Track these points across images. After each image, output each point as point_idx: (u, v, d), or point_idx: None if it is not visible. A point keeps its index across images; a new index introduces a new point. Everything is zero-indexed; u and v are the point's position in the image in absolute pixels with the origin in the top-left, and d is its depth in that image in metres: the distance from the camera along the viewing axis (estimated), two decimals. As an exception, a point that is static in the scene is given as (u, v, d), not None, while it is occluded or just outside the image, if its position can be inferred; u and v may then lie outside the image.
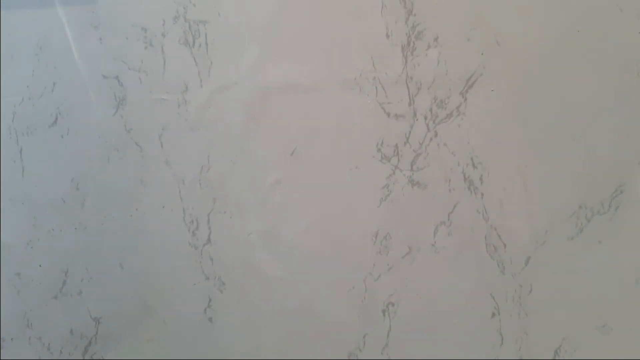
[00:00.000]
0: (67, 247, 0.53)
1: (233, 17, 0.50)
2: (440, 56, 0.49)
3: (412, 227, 0.50)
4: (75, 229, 0.53)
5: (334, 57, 0.50)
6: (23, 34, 0.52)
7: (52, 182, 0.53)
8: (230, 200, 0.52)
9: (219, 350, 0.49)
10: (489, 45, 0.48)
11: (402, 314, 0.50)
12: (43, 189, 0.53)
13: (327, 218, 0.50)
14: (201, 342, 0.49)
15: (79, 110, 0.51)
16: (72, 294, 0.53)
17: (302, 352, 0.48)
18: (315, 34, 0.50)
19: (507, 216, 0.49)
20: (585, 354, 0.49)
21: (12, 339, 0.54)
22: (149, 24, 0.51)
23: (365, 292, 0.50)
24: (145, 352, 0.49)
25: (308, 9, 0.50)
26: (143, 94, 0.51)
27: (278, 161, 0.51)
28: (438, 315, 0.50)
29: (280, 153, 0.51)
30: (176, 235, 0.53)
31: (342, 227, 0.50)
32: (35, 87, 0.52)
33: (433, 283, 0.50)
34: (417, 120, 0.50)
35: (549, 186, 0.49)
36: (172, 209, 0.53)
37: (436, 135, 0.49)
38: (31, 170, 0.53)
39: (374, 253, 0.50)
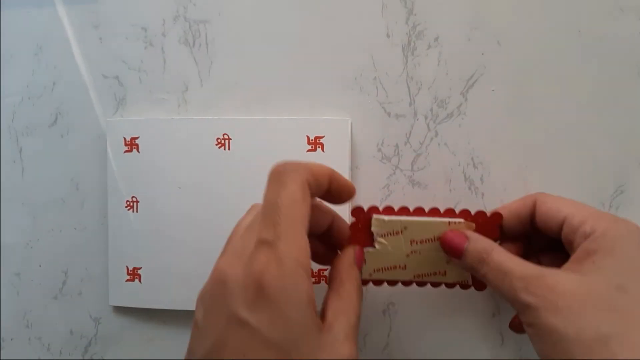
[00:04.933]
0: (67, 247, 0.53)
1: (233, 17, 0.50)
2: (440, 56, 0.49)
3: (413, 227, 0.50)
4: (75, 229, 0.52)
5: (334, 56, 0.50)
6: (23, 34, 0.52)
7: (51, 182, 0.53)
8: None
9: (219, 350, 0.48)
10: (489, 45, 0.49)
11: (402, 314, 0.50)
12: (43, 189, 0.53)
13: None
14: (201, 342, 0.49)
15: (79, 110, 0.51)
16: (72, 294, 0.53)
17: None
18: (316, 33, 0.50)
19: (507, 216, 0.49)
20: (586, 353, 0.49)
21: (12, 339, 0.54)
22: (149, 24, 0.51)
23: (365, 292, 0.50)
24: (145, 352, 0.49)
25: (308, 9, 0.50)
26: (143, 94, 0.51)
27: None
28: (438, 315, 0.50)
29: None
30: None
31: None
32: (35, 87, 0.52)
33: (433, 283, 0.50)
34: (417, 120, 0.50)
35: (549, 186, 0.49)
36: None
37: (437, 135, 0.50)
38: (31, 170, 0.53)
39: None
